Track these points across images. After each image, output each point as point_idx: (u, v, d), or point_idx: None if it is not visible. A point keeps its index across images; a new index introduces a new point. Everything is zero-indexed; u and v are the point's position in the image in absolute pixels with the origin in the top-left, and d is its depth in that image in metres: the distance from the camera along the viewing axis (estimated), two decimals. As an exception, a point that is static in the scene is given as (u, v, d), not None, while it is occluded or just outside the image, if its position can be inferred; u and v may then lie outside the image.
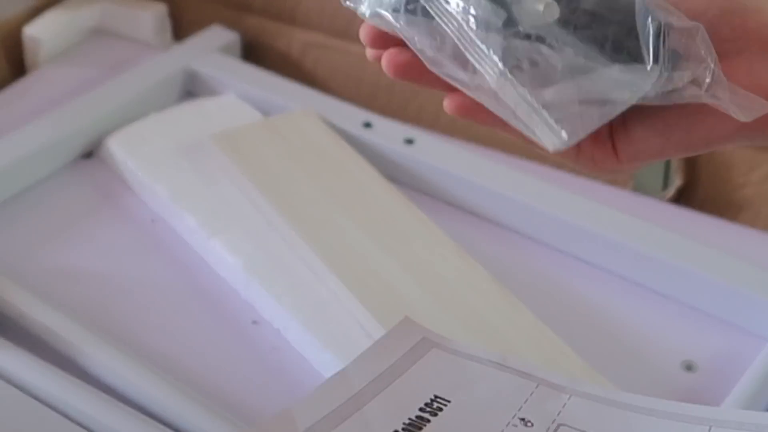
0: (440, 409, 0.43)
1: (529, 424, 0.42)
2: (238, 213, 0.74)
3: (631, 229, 0.73)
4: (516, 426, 0.42)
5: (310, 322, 0.66)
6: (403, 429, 0.42)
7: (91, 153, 0.82)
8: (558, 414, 0.43)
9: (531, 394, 0.44)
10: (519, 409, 0.43)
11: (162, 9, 0.96)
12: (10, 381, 0.59)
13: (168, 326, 0.68)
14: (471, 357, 0.47)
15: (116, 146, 0.79)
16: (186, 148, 0.79)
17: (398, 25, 0.44)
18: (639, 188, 0.83)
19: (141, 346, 0.65)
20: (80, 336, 0.63)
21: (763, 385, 0.63)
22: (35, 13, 0.93)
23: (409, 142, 0.80)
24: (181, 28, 0.98)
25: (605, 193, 0.80)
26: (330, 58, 0.92)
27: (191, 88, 0.89)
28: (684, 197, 0.83)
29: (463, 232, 0.74)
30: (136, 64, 0.89)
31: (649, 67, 0.42)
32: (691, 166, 0.82)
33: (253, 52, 0.95)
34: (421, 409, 0.43)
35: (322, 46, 0.92)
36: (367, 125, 0.82)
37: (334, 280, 0.68)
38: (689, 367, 0.66)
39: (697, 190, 0.83)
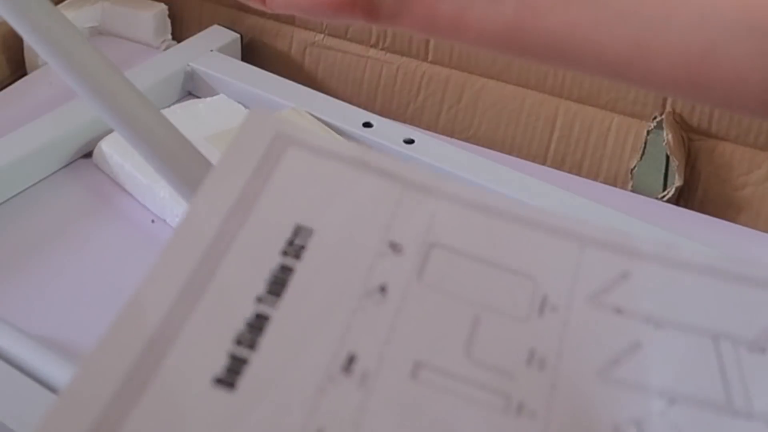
0: (303, 248, 0.36)
1: (399, 249, 0.37)
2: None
3: (631, 229, 0.73)
4: (385, 255, 0.36)
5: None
6: (267, 292, 0.34)
7: (91, 153, 0.82)
8: (428, 230, 0.38)
9: (397, 205, 0.38)
10: (387, 231, 0.37)
11: (162, 9, 0.96)
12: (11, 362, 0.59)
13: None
14: (330, 154, 0.40)
15: (111, 149, 0.79)
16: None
17: None
18: (639, 188, 0.83)
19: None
20: (79, 335, 0.63)
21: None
22: (35, 13, 0.93)
23: (409, 142, 0.80)
24: (181, 28, 0.98)
25: (605, 193, 0.80)
26: (330, 58, 0.92)
27: (191, 88, 0.89)
28: (684, 197, 0.83)
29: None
30: (136, 64, 0.89)
31: None
32: (691, 166, 0.82)
33: (253, 52, 0.95)
34: (283, 253, 0.36)
35: (322, 46, 0.92)
36: (367, 125, 0.82)
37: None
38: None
39: (697, 191, 0.83)
